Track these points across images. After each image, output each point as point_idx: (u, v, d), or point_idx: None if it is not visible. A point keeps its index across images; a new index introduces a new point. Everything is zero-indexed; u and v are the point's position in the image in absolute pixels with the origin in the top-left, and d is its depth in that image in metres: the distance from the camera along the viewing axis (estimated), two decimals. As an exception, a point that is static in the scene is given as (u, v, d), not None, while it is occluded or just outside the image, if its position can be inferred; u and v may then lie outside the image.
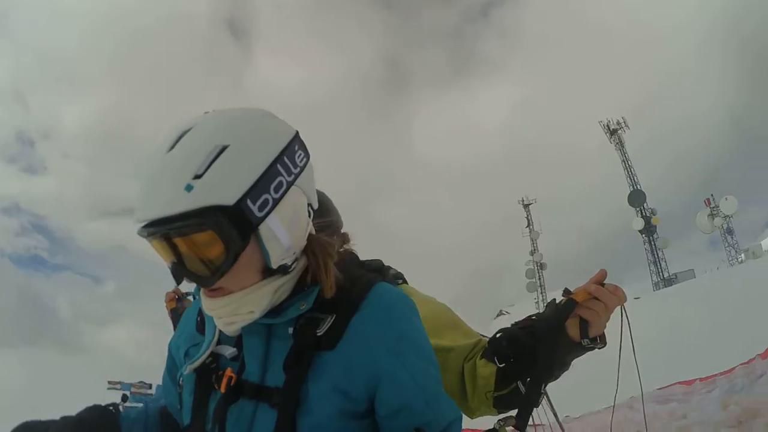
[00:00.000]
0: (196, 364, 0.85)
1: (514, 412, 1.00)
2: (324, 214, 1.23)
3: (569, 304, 0.97)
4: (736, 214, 26.33)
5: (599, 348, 1.00)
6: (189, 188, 0.72)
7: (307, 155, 0.86)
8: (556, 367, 1.02)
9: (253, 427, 0.79)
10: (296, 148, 0.83)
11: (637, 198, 29.02)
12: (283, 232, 0.80)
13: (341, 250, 0.95)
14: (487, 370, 1.12)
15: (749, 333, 6.99)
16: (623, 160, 29.97)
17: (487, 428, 0.94)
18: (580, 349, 1.00)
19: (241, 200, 0.74)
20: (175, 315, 1.56)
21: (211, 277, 0.77)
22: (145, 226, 0.76)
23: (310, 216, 0.88)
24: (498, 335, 1.13)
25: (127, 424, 0.97)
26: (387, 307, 0.85)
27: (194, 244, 0.75)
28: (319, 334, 0.80)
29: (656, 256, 28.80)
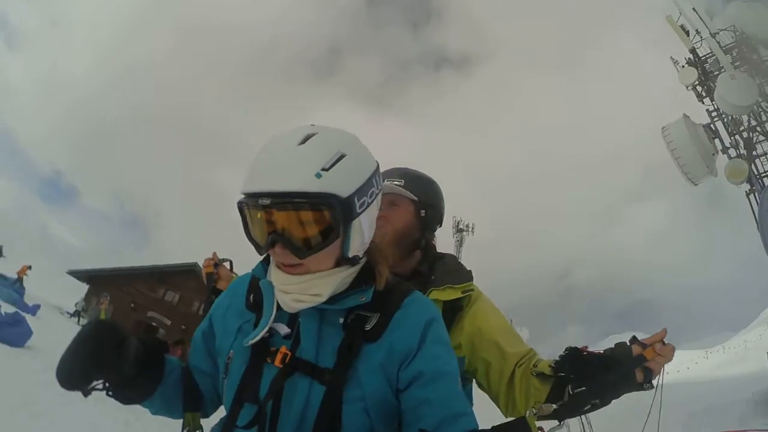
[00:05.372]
0: (257, 339, 0.98)
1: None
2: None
3: (641, 359, 1.19)
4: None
5: (646, 389, 1.22)
6: (318, 176, 0.92)
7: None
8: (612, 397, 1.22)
9: (309, 400, 0.93)
10: (380, 172, 1.08)
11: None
12: (367, 228, 1.02)
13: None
14: (541, 382, 1.32)
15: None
16: (455, 254, 32.09)
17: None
18: (636, 389, 1.20)
19: (351, 195, 0.96)
20: (210, 279, 1.66)
21: (307, 250, 0.95)
22: (268, 197, 0.92)
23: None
24: (566, 354, 1.26)
25: (169, 366, 1.12)
26: (421, 308, 1.05)
27: (304, 220, 0.94)
28: (367, 329, 0.98)
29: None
